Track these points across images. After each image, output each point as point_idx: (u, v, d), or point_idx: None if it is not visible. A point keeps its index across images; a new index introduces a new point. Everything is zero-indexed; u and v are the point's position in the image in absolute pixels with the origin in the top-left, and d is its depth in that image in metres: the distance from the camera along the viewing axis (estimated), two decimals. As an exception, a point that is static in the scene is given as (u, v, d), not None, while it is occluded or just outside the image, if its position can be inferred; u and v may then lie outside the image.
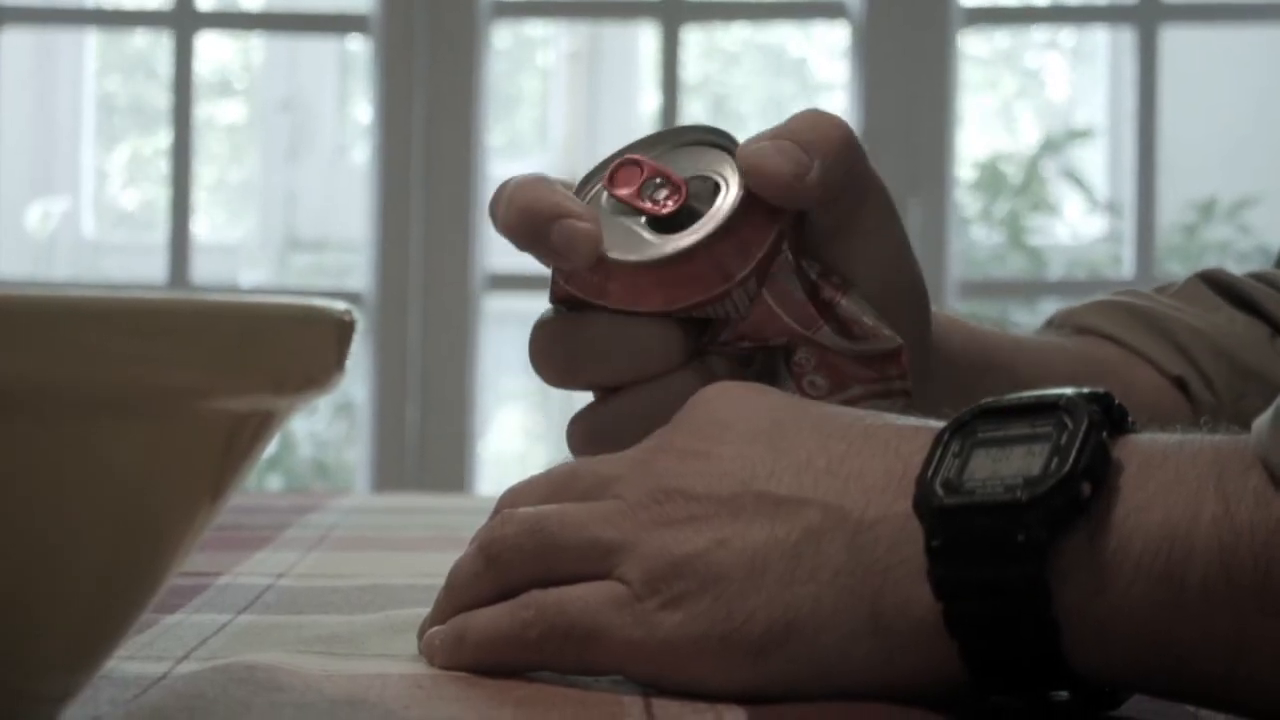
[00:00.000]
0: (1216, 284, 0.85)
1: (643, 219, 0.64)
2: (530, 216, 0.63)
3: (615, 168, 0.65)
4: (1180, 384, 0.79)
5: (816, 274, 0.65)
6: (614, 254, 0.63)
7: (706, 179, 0.65)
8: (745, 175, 0.64)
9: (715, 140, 0.66)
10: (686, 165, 0.65)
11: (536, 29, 6.59)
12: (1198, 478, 0.49)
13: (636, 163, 0.65)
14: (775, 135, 0.64)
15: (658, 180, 0.64)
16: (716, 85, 6.74)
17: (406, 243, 2.59)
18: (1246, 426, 0.50)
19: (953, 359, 0.72)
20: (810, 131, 0.65)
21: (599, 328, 0.64)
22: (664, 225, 0.64)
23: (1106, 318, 0.82)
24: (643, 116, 6.27)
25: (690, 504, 0.55)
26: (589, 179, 0.66)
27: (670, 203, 0.64)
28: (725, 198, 0.63)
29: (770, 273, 0.64)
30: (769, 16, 3.83)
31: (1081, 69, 6.86)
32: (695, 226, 0.63)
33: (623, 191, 0.64)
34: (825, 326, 0.64)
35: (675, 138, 0.67)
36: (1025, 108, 6.77)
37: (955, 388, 0.67)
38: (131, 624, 0.49)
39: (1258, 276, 0.86)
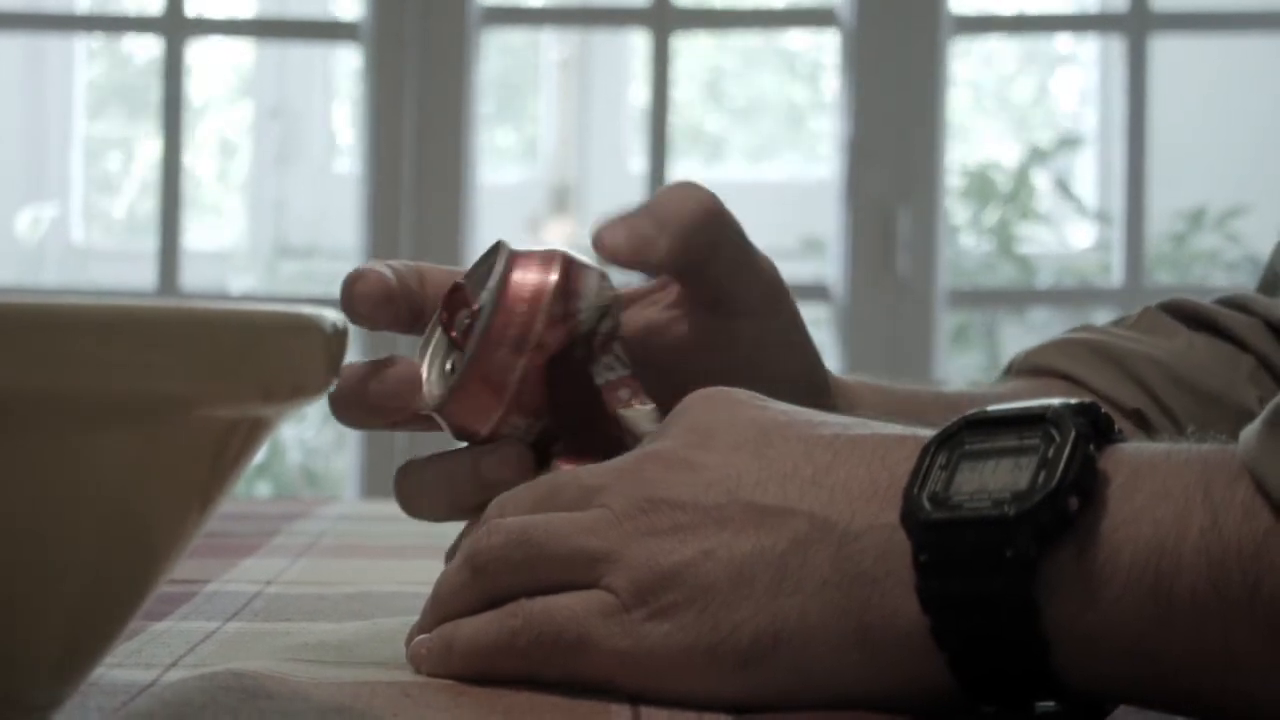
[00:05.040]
0: (1176, 311, 0.84)
1: (455, 353, 0.65)
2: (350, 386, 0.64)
3: (446, 296, 0.65)
4: (1139, 417, 0.79)
5: (614, 377, 0.65)
6: (420, 404, 0.64)
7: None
8: (595, 249, 0.65)
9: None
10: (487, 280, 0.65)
11: (528, 37, 6.59)
12: (1185, 489, 0.49)
13: (460, 288, 0.65)
14: (631, 212, 0.66)
15: (467, 306, 0.65)
16: (707, 93, 6.75)
17: (396, 250, 2.59)
18: None
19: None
20: (664, 204, 0.66)
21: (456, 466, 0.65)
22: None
23: (1063, 356, 0.81)
24: (634, 123, 6.27)
25: (676, 513, 0.55)
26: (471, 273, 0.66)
27: (466, 334, 0.64)
28: (474, 331, 0.64)
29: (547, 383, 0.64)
30: (759, 23, 3.84)
31: (1071, 77, 6.87)
32: (461, 363, 0.64)
33: (448, 323, 0.65)
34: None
35: (491, 254, 0.66)
36: (1015, 115, 6.78)
37: None
38: (120, 631, 0.49)
39: (1226, 301, 0.85)
